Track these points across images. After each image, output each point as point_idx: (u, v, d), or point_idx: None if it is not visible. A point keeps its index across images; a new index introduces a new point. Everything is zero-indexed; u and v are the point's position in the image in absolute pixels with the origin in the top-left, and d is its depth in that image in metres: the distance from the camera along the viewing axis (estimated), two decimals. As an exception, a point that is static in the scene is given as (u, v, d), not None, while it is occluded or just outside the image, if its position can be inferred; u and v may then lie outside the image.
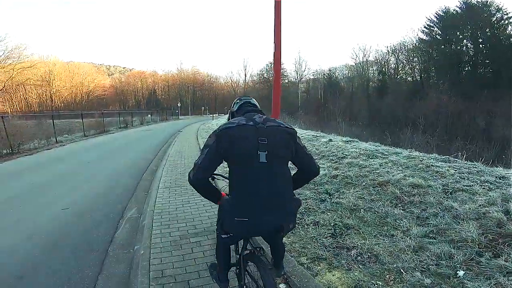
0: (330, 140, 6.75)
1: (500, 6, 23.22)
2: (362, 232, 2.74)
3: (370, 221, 2.93)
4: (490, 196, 2.95)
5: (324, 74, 39.43)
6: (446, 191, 3.25)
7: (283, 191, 1.39)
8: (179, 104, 46.04)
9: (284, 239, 2.51)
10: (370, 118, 26.93)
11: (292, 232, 2.79)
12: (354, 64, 35.39)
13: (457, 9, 25.22)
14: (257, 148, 1.35)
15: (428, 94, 24.17)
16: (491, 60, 23.02)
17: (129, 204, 4.31)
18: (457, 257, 2.13)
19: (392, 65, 30.19)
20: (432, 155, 4.68)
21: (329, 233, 2.75)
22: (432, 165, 4.00)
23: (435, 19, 26.56)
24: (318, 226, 2.91)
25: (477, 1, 24.04)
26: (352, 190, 3.73)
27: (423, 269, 2.07)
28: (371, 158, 4.75)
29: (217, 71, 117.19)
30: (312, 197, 3.68)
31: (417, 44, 27.83)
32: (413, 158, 4.48)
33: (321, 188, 3.93)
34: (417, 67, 28.14)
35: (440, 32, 26.31)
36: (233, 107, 1.71)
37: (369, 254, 2.34)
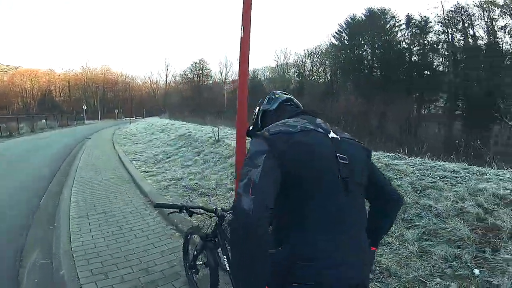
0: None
1: (394, 14, 27.87)
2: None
3: None
4: (456, 191, 3.10)
5: (248, 75, 40.39)
6: (416, 189, 3.34)
7: (364, 234, 1.00)
8: (84, 107, 39.83)
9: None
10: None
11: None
12: (276, 66, 37.45)
13: (362, 16, 29.25)
14: (337, 170, 0.93)
15: (338, 95, 27.28)
16: (383, 65, 27.46)
17: (26, 245, 3.05)
18: (464, 257, 2.14)
19: (308, 67, 33.16)
20: (379, 152, 4.92)
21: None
22: (391, 164, 4.12)
23: (344, 25, 30.19)
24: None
25: (378, 9, 28.31)
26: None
27: (439, 273, 2.08)
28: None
29: (133, 70, 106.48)
30: None
31: (328, 48, 31.17)
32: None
33: None
34: (328, 69, 31.59)
35: (347, 38, 30.00)
36: (266, 104, 1.25)
37: (378, 268, 2.26)
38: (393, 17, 27.64)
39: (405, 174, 3.77)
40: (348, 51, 29.56)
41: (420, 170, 3.83)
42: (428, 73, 26.03)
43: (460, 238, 2.39)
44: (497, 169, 3.61)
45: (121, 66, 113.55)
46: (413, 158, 4.53)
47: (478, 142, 6.18)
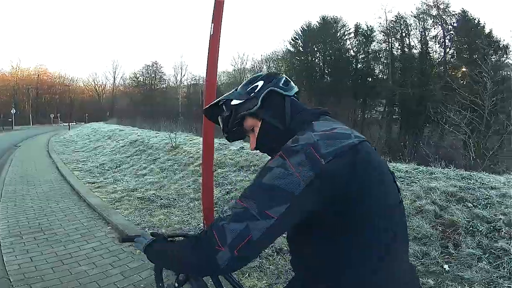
0: (242, 148, 6.44)
1: (344, 23, 29.83)
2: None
3: None
4: (412, 190, 3.28)
5: (205, 79, 39.60)
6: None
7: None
8: (13, 111, 34.82)
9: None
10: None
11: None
12: (233, 70, 37.48)
13: (317, 24, 30.70)
14: (398, 196, 0.73)
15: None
16: (333, 71, 29.38)
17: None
18: (432, 253, 2.22)
19: (264, 72, 34.18)
20: None
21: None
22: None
23: (300, 32, 31.30)
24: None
25: (331, 18, 30.04)
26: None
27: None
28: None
29: (75, 72, 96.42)
30: None
31: (284, 54, 32.21)
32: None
33: None
34: (283, 74, 33.05)
35: (302, 44, 31.18)
36: (280, 84, 0.82)
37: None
38: (343, 25, 29.64)
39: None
40: (302, 58, 30.91)
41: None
42: (370, 79, 28.55)
43: (424, 236, 2.52)
44: (441, 168, 3.98)
45: (61, 67, 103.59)
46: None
47: (422, 144, 6.88)
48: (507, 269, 1.95)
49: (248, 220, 0.59)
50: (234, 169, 5.15)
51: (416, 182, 3.49)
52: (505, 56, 21.63)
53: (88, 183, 5.79)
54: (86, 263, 2.69)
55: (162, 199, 4.44)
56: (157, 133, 11.66)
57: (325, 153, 0.61)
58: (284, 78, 0.84)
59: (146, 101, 39.63)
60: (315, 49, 30.54)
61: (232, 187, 4.33)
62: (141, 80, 43.84)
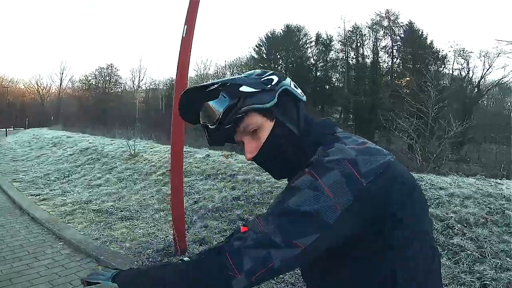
0: (208, 155, 6.26)
1: (307, 32, 30.75)
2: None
3: None
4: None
5: (165, 84, 38.03)
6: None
7: None
8: None
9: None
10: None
11: None
12: (195, 76, 36.62)
13: (281, 31, 31.22)
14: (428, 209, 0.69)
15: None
16: (295, 79, 30.37)
17: None
18: None
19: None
20: None
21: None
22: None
23: (264, 39, 31.61)
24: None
25: (294, 26, 30.77)
26: (265, 209, 3.43)
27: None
28: (264, 172, 4.69)
29: (16, 73, 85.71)
30: (225, 228, 3.10)
31: (248, 61, 32.25)
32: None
33: (230, 215, 3.40)
34: None
35: (265, 52, 31.62)
36: (293, 87, 0.69)
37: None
38: (306, 34, 30.62)
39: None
40: (265, 64, 31.39)
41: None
42: (328, 87, 30.18)
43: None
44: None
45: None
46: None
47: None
48: (466, 264, 2.13)
49: (270, 247, 0.51)
50: (200, 177, 4.98)
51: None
52: (443, 66, 24.33)
53: (32, 195, 5.14)
54: (39, 281, 2.42)
55: (122, 211, 4.10)
56: (112, 140, 10.89)
57: (365, 172, 0.54)
58: (291, 82, 0.70)
59: (99, 105, 36.74)
60: (278, 56, 31.21)
61: (200, 196, 4.17)
62: (93, 83, 40.41)
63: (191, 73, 38.17)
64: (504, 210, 3.19)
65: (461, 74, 24.40)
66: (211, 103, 0.62)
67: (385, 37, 26.99)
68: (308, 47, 30.32)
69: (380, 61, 27.33)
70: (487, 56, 22.72)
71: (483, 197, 3.46)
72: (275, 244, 0.51)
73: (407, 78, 24.26)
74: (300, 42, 30.42)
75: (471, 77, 24.06)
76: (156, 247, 2.87)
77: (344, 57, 28.59)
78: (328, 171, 0.53)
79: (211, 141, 0.67)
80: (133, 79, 40.18)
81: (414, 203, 0.59)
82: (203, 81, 36.05)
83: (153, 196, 4.58)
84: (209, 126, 0.64)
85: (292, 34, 30.35)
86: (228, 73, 33.18)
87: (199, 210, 3.73)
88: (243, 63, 32.43)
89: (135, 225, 3.63)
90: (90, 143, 10.38)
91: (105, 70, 40.15)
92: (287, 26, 30.55)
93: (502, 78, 22.26)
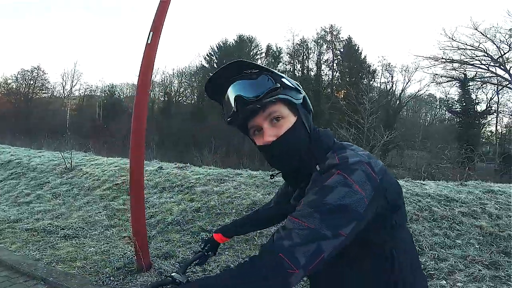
0: (160, 167, 5.94)
1: (258, 43, 31.01)
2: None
3: None
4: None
5: (104, 91, 34.78)
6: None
7: None
8: None
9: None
10: (160, 139, 27.18)
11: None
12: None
13: (233, 41, 30.96)
14: None
15: (206, 116, 28.29)
16: None
17: None
18: None
19: (175, 87, 32.42)
20: (256, 172, 5.34)
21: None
22: (275, 181, 4.57)
23: (216, 49, 31.10)
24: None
25: (247, 37, 30.86)
26: (228, 220, 3.49)
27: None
28: (222, 183, 4.70)
29: None
30: (188, 240, 3.02)
31: (198, 69, 31.40)
32: (254, 176, 4.90)
33: (192, 227, 3.32)
34: (196, 91, 31.99)
35: (217, 61, 30.87)
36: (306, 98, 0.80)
37: None
38: (257, 45, 30.94)
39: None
40: None
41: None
42: None
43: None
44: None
45: None
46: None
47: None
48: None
49: (319, 240, 0.59)
50: (155, 190, 4.72)
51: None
52: (373, 79, 27.35)
53: None
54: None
55: (64, 229, 3.66)
56: (39, 152, 9.60)
57: (377, 171, 0.67)
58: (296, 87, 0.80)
59: (21, 112, 31.71)
60: None
61: (156, 210, 3.94)
62: (14, 87, 34.58)
63: (135, 80, 35.82)
64: (430, 207, 3.78)
65: (386, 87, 27.61)
66: (253, 81, 0.73)
67: (328, 51, 28.81)
68: (258, 58, 30.56)
69: (322, 74, 29.09)
70: (407, 70, 25.99)
71: (412, 196, 4.04)
72: (324, 236, 0.59)
73: (345, 91, 26.60)
74: (251, 53, 30.60)
75: (394, 89, 27.39)
76: (116, 265, 2.65)
77: (291, 69, 29.68)
78: (354, 171, 0.65)
79: (231, 121, 0.76)
80: (63, 84, 35.70)
81: (401, 195, 0.76)
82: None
83: (100, 212, 4.16)
84: (245, 99, 0.71)
85: (244, 45, 30.46)
86: (176, 81, 32.07)
87: (158, 224, 3.54)
88: (192, 72, 31.52)
89: (84, 244, 3.29)
90: (12, 155, 8.94)
91: (29, 73, 34.85)
92: (240, 37, 30.62)
93: (418, 91, 26.22)
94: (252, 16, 45.33)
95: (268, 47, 30.34)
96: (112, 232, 3.49)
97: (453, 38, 21.55)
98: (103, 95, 34.22)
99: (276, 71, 0.78)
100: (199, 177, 5.09)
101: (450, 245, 3.10)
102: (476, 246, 3.09)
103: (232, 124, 0.77)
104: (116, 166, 6.36)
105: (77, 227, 3.69)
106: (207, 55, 30.91)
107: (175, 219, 3.60)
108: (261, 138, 0.75)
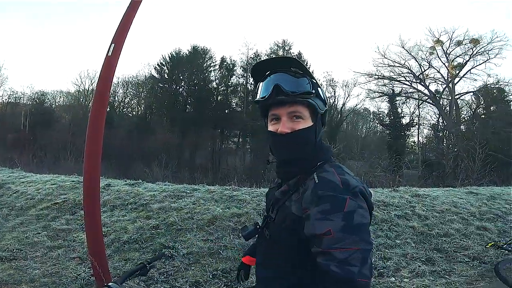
0: (108, 185, 5.48)
1: (212, 55, 30.06)
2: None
3: (237, 258, 2.95)
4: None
5: (32, 99, 30.45)
6: (261, 214, 3.98)
7: None
8: None
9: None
10: (103, 153, 24.84)
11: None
12: (77, 91, 30.86)
13: (187, 52, 29.59)
14: None
15: (154, 129, 26.87)
16: (196, 102, 29.48)
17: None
18: None
19: (120, 97, 30.05)
20: (213, 186, 5.34)
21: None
22: (233, 195, 4.64)
23: (168, 59, 29.36)
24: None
25: (201, 48, 29.81)
26: (189, 235, 3.43)
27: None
28: (179, 199, 4.61)
29: None
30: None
31: (146, 79, 29.48)
32: (213, 191, 4.90)
33: (152, 245, 3.20)
34: (143, 101, 30.09)
35: (168, 71, 29.48)
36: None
37: None
38: (211, 57, 30.13)
39: (247, 202, 4.40)
40: (166, 85, 29.21)
41: (255, 197, 4.60)
42: (228, 111, 30.79)
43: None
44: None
45: None
46: (248, 188, 5.34)
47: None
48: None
49: (366, 253, 0.77)
50: (104, 209, 4.35)
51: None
52: None
53: None
54: None
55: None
56: None
57: (368, 193, 0.86)
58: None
59: None
60: (181, 77, 29.79)
61: (108, 229, 3.65)
62: None
63: (71, 88, 32.34)
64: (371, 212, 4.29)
65: (330, 102, 30.18)
66: (295, 78, 0.89)
67: None
68: (212, 70, 30.07)
69: None
70: (347, 85, 28.68)
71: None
72: (367, 250, 0.77)
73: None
74: (205, 65, 29.97)
75: (337, 104, 29.67)
76: (71, 287, 2.40)
77: (244, 82, 29.80)
78: (359, 195, 0.82)
79: (260, 101, 0.93)
80: (-20, 89, 30.36)
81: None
82: (85, 97, 30.96)
83: (39, 233, 3.70)
84: (283, 90, 0.87)
85: (197, 56, 29.60)
86: (121, 91, 29.83)
87: (112, 243, 3.30)
88: (140, 82, 29.57)
89: (25, 265, 2.94)
90: None
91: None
92: (194, 47, 29.72)
93: (356, 105, 29.04)
94: (207, 27, 45.08)
95: (223, 60, 30.01)
96: (59, 254, 3.13)
97: (385, 56, 24.69)
98: (31, 103, 29.95)
99: (316, 80, 0.93)
100: (154, 194, 4.88)
101: (392, 245, 3.55)
102: (413, 245, 3.60)
103: (258, 103, 0.93)
104: (53, 184, 5.70)
105: (13, 249, 3.23)
106: (158, 64, 29.30)
107: (132, 237, 3.40)
108: (277, 126, 0.89)
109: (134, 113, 30.77)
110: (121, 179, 6.43)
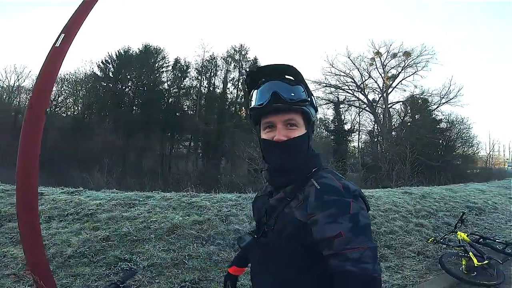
0: (41, 193, 4.70)
1: (165, 55, 28.24)
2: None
3: (205, 267, 2.81)
4: (246, 214, 3.99)
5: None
6: (222, 219, 3.90)
7: None
8: None
9: None
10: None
11: None
12: (0, 88, 26.05)
13: (137, 50, 27.44)
14: None
15: (94, 130, 24.43)
16: (144, 103, 27.25)
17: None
18: None
19: (53, 96, 26.28)
20: (181, 193, 5.08)
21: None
22: (192, 202, 4.45)
23: (115, 56, 26.96)
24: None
25: (154, 47, 27.88)
26: (148, 246, 3.17)
27: None
28: (132, 207, 4.24)
29: None
30: (105, 273, 2.63)
31: (87, 77, 26.40)
32: (169, 198, 4.63)
33: (104, 258, 2.87)
34: (81, 101, 27.04)
35: (113, 70, 26.98)
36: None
37: None
38: (164, 57, 28.51)
39: (207, 208, 4.25)
40: (110, 85, 26.65)
41: (216, 203, 4.47)
42: (179, 114, 29.35)
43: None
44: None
45: None
46: (206, 194, 5.17)
47: (233, 176, 8.35)
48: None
49: (374, 250, 0.80)
50: (39, 221, 3.73)
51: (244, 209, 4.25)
52: None
53: None
54: None
55: None
56: None
57: (364, 195, 0.89)
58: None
59: None
60: (128, 77, 27.64)
61: (46, 243, 3.12)
62: None
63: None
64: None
65: None
66: (290, 86, 0.89)
67: (235, 69, 29.34)
68: (164, 71, 28.52)
69: (228, 92, 29.44)
70: None
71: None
72: (375, 247, 0.81)
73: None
74: (157, 65, 28.32)
75: None
76: None
77: (197, 85, 29.11)
78: (359, 198, 0.86)
79: (255, 109, 0.91)
80: None
81: None
82: (10, 95, 26.54)
83: (10, 251, 3.03)
84: (280, 97, 0.87)
85: (149, 56, 27.86)
86: (55, 88, 26.28)
87: (54, 258, 2.83)
88: (78, 79, 26.43)
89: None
90: None
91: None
92: (146, 46, 27.89)
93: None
94: (162, 27, 42.52)
95: (176, 61, 28.72)
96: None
97: (333, 65, 26.74)
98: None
99: (309, 88, 0.94)
100: (100, 203, 4.37)
101: (347, 243, 3.78)
102: (366, 243, 3.89)
103: (253, 111, 0.92)
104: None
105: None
106: (102, 62, 26.72)
107: (77, 250, 2.97)
108: (271, 134, 0.90)
109: (69, 112, 27.39)
110: (56, 187, 5.63)
